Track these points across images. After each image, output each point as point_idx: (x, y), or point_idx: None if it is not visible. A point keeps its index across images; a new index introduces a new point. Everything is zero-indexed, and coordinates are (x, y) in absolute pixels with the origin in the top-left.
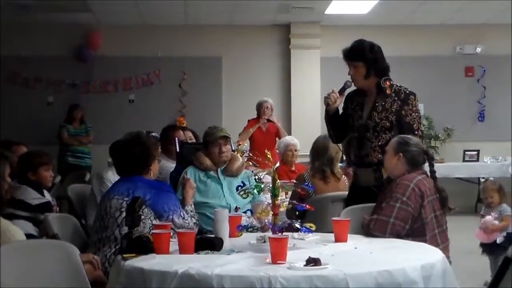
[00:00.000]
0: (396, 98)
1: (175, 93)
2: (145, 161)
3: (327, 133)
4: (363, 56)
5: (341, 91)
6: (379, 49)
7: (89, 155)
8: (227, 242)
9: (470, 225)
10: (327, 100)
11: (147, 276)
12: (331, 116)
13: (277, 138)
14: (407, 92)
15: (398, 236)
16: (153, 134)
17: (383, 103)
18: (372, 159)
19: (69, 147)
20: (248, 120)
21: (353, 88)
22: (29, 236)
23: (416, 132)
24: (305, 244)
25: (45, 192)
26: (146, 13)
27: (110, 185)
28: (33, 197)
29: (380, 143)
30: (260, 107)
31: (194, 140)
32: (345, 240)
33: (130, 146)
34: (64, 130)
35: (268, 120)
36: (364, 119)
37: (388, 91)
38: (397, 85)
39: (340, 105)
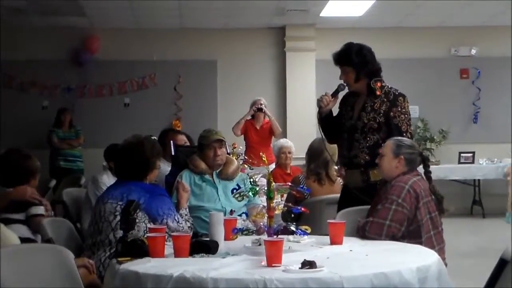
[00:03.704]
0: (385, 100)
1: (170, 97)
2: (144, 169)
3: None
4: (350, 60)
5: (334, 94)
6: (369, 51)
7: (81, 158)
8: (222, 245)
9: (466, 227)
10: (319, 103)
11: (142, 279)
12: (323, 118)
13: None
14: (397, 93)
15: (394, 238)
16: (153, 137)
17: (372, 104)
18: (360, 160)
19: (60, 151)
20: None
21: (347, 90)
22: (25, 239)
23: (404, 134)
24: (300, 247)
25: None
26: (141, 17)
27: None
28: None
29: (368, 144)
30: (254, 105)
31: (188, 144)
32: (341, 243)
33: (132, 152)
34: (54, 135)
35: (259, 110)
36: (354, 119)
37: (378, 92)
38: (387, 86)
39: (333, 107)
